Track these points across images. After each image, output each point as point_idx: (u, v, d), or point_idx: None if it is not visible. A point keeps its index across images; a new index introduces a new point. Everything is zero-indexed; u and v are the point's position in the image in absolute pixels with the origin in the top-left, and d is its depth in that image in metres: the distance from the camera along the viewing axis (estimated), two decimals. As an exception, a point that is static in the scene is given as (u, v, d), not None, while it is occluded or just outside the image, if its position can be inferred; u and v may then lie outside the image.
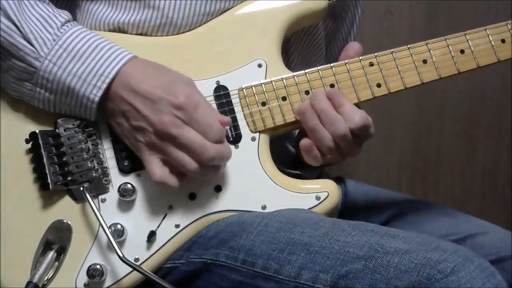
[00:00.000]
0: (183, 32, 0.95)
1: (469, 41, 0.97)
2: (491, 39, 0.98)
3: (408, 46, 0.97)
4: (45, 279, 0.89)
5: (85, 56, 0.87)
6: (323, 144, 0.92)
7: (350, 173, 1.75)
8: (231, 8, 0.96)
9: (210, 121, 0.86)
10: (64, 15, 0.90)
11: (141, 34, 0.95)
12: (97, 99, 0.87)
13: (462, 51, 0.97)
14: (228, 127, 0.92)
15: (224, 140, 0.88)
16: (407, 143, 1.85)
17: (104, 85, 0.87)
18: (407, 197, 1.21)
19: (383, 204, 1.16)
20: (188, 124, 0.85)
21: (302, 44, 1.07)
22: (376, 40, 1.78)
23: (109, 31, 0.96)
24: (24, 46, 0.87)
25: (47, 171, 0.89)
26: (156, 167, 0.87)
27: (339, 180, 1.19)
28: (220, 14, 0.96)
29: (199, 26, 0.95)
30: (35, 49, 0.87)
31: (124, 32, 0.96)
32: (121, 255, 0.86)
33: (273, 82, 0.94)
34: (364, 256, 0.79)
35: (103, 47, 0.88)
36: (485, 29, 0.98)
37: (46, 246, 0.90)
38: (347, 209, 1.12)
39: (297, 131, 1.06)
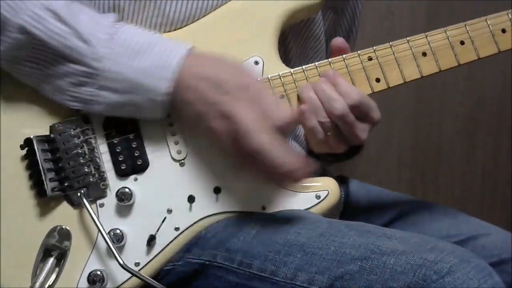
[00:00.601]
0: (175, 29, 0.94)
1: (469, 31, 0.96)
2: (491, 28, 0.96)
3: (407, 38, 0.95)
4: (46, 286, 0.88)
5: (146, 51, 0.85)
6: (323, 125, 0.89)
7: (350, 172, 1.74)
8: (224, 4, 0.95)
9: (276, 104, 0.85)
10: (111, 15, 0.88)
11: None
12: (165, 90, 0.85)
13: (462, 42, 0.96)
14: None
15: None
16: (406, 142, 1.85)
17: (170, 76, 0.85)
18: (409, 197, 1.20)
19: (385, 204, 1.15)
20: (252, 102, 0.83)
21: (300, 37, 1.05)
22: (377, 40, 1.76)
23: None
24: (82, 48, 0.84)
25: (44, 178, 0.88)
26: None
27: (342, 179, 1.17)
28: (213, 10, 0.95)
29: (192, 22, 0.94)
30: (95, 50, 0.84)
31: None
32: (121, 261, 0.85)
33: (270, 80, 0.93)
34: (360, 257, 0.79)
35: (160, 40, 0.86)
36: (486, 19, 0.97)
37: (45, 252, 0.89)
38: (348, 209, 1.11)
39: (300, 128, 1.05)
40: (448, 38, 0.95)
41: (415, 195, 1.26)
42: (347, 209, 1.10)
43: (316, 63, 0.94)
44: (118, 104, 0.87)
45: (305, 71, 0.93)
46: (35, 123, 0.90)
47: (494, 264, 0.83)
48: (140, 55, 0.85)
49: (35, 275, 0.88)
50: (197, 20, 0.94)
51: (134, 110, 0.87)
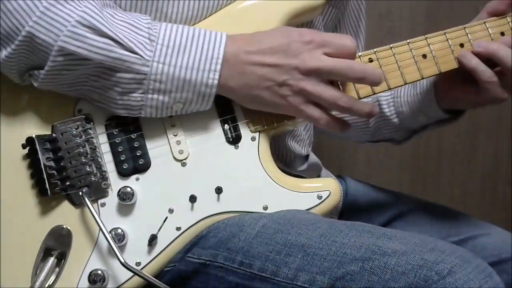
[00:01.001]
0: None
1: (468, 34, 0.96)
2: (490, 32, 0.97)
3: (408, 41, 0.96)
4: (46, 286, 0.88)
5: (188, 47, 0.85)
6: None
7: (350, 172, 1.74)
8: (228, 4, 0.95)
9: (341, 38, 0.88)
10: (145, 16, 0.88)
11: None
12: (216, 82, 0.86)
13: (461, 45, 0.96)
14: None
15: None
16: (407, 143, 1.86)
17: (219, 66, 0.85)
18: (408, 197, 1.20)
19: (384, 204, 1.15)
20: (325, 51, 0.87)
21: None
22: (377, 40, 1.76)
23: None
24: (128, 57, 0.83)
25: (45, 177, 0.88)
26: (318, 111, 0.88)
27: (339, 179, 1.18)
28: (217, 11, 0.95)
29: (196, 23, 0.94)
30: (139, 55, 0.84)
31: None
32: (122, 260, 0.85)
33: None
34: (361, 258, 0.79)
35: (199, 33, 0.87)
36: (484, 22, 0.98)
37: (46, 252, 0.89)
38: (347, 209, 1.12)
39: (303, 128, 1.05)
40: (448, 41, 0.96)
41: (415, 195, 1.26)
42: (346, 209, 1.10)
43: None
44: (167, 105, 0.87)
45: None
46: (37, 123, 0.90)
47: (493, 264, 0.84)
48: (184, 52, 0.85)
49: (35, 275, 0.88)
50: (199, 21, 0.94)
51: (182, 107, 0.88)
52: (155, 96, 0.86)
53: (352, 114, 0.91)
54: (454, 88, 0.99)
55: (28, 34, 0.82)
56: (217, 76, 0.86)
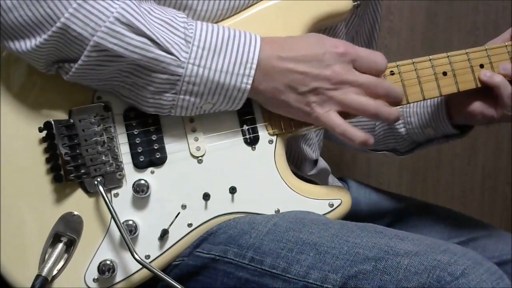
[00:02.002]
0: None
1: (489, 56, 0.98)
2: (511, 55, 0.98)
3: (430, 57, 0.96)
4: (54, 272, 0.87)
5: (223, 49, 0.85)
6: None
7: (350, 172, 1.75)
8: (254, 4, 0.94)
9: (374, 54, 0.89)
10: (180, 13, 0.86)
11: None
12: (248, 87, 0.86)
13: (481, 66, 0.98)
14: None
15: None
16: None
17: (253, 71, 0.85)
18: (409, 199, 1.22)
19: (385, 206, 1.17)
20: (355, 65, 0.88)
21: None
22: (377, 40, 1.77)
23: None
24: (164, 57, 0.82)
25: (60, 163, 0.88)
26: (339, 119, 0.88)
27: (341, 181, 1.19)
28: (243, 10, 0.94)
29: (221, 21, 0.94)
30: (175, 56, 0.83)
31: None
32: (134, 252, 0.85)
33: None
34: (374, 257, 0.80)
35: (234, 35, 0.86)
36: (505, 45, 0.99)
37: (55, 238, 0.88)
38: (349, 212, 1.13)
39: (313, 131, 1.06)
40: (469, 60, 0.97)
41: (416, 196, 1.27)
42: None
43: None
44: (198, 105, 0.87)
45: None
46: (55, 107, 0.89)
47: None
48: (220, 55, 0.85)
49: (43, 261, 0.87)
50: (226, 19, 0.93)
51: (212, 107, 0.88)
52: (187, 97, 0.85)
53: (380, 120, 0.93)
54: (472, 105, 1.01)
55: (63, 26, 0.80)
56: (250, 81, 0.86)
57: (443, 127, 1.07)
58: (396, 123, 1.14)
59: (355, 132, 0.89)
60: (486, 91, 0.98)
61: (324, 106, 0.88)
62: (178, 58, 0.83)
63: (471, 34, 1.77)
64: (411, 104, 1.12)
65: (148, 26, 0.82)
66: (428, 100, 1.08)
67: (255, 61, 0.86)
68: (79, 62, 0.82)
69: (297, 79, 0.87)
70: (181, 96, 0.85)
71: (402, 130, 1.13)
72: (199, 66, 0.84)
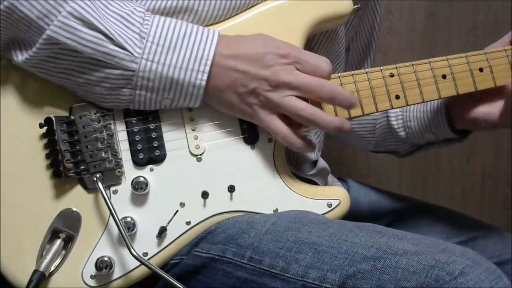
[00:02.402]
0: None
1: (488, 60, 0.98)
2: (510, 60, 0.99)
3: (429, 60, 0.97)
4: (52, 268, 0.88)
5: (178, 45, 0.85)
6: None
7: (350, 172, 1.75)
8: (255, 5, 0.95)
9: (317, 58, 0.88)
10: (139, 8, 0.87)
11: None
12: (203, 83, 0.86)
13: (480, 69, 0.98)
14: None
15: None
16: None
17: (207, 68, 0.86)
18: (409, 199, 1.22)
19: (385, 206, 1.17)
20: (298, 68, 0.87)
21: (326, 41, 1.06)
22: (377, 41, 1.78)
23: None
24: (117, 52, 0.83)
25: (60, 158, 0.88)
26: (280, 124, 0.88)
27: (341, 181, 1.20)
28: (244, 11, 0.95)
29: (222, 21, 0.94)
30: (129, 51, 0.83)
31: None
32: (133, 250, 0.85)
33: None
34: (373, 257, 0.80)
35: (191, 31, 0.86)
36: (505, 50, 0.99)
37: (53, 234, 0.89)
38: (348, 211, 1.13)
39: (314, 134, 1.06)
40: (468, 64, 0.97)
41: (415, 196, 1.27)
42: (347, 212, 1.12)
43: (339, 74, 0.94)
44: (156, 100, 0.87)
45: None
46: (56, 103, 0.89)
47: (494, 265, 0.85)
48: (175, 50, 0.85)
49: (41, 256, 0.88)
50: (227, 19, 0.94)
51: (169, 104, 0.88)
52: (143, 92, 0.86)
53: (318, 127, 0.89)
54: (475, 111, 1.01)
55: (10, 5, 0.81)
56: (205, 77, 0.86)
57: (443, 132, 1.07)
58: (396, 127, 1.13)
59: (297, 140, 0.88)
60: (489, 97, 0.98)
61: (266, 109, 0.88)
62: (131, 54, 0.83)
63: (471, 34, 1.76)
64: (411, 109, 1.12)
65: (102, 21, 0.83)
66: (428, 105, 1.09)
67: (210, 58, 0.86)
68: (33, 50, 0.83)
69: (238, 78, 0.86)
70: (137, 92, 0.86)
71: (402, 133, 1.13)
72: (152, 61, 0.84)
